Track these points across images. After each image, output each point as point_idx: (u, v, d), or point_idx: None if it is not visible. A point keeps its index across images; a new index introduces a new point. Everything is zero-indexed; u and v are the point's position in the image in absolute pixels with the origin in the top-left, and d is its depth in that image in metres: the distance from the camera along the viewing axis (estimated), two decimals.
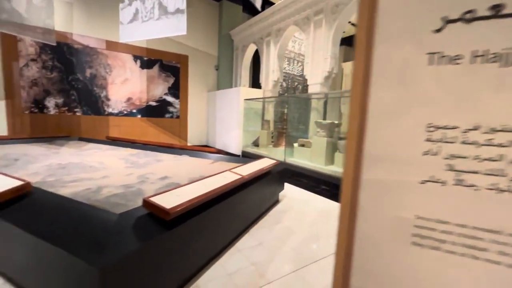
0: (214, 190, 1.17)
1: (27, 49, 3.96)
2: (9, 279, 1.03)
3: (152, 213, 0.94)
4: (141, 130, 5.11)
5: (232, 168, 1.61)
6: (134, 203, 1.13)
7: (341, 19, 3.34)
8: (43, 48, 4.06)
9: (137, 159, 2.24)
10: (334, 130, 3.09)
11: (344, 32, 3.58)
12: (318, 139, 3.08)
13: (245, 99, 4.53)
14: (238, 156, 4.37)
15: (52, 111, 4.27)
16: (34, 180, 1.40)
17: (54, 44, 3.58)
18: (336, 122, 3.02)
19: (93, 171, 1.69)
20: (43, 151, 2.40)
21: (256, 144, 4.54)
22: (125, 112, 4.95)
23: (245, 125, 4.62)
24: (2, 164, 1.68)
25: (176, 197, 1.02)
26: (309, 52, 3.78)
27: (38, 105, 4.14)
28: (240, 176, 1.47)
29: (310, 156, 3.25)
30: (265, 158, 2.09)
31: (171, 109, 5.45)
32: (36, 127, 4.12)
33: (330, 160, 3.07)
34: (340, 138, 3.05)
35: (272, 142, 4.26)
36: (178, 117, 5.55)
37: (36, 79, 4.08)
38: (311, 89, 3.69)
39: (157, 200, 0.96)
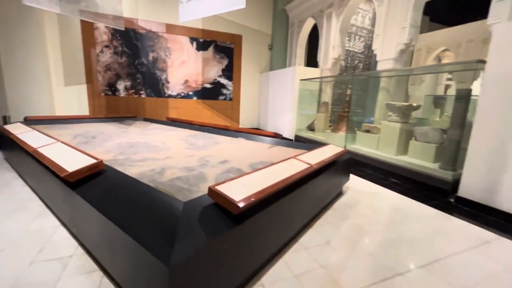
0: (283, 180, 1.02)
1: (102, 36, 4.35)
2: (87, 251, 1.09)
3: (219, 204, 0.84)
4: (197, 112, 5.29)
5: (297, 155, 1.43)
6: (197, 188, 1.07)
7: None
8: (114, 34, 4.41)
9: (196, 140, 2.25)
10: (410, 114, 2.60)
11: None
12: (389, 125, 2.65)
13: (301, 80, 4.21)
14: (291, 140, 4.16)
15: (122, 93, 4.70)
16: (107, 157, 1.48)
17: (123, 29, 3.83)
18: (415, 104, 2.52)
19: (156, 151, 1.72)
20: (115, 130, 2.60)
21: (311, 128, 4.24)
22: (182, 94, 5.16)
23: (299, 108, 4.33)
24: (82, 141, 1.83)
25: (243, 188, 0.90)
26: (381, 21, 3.21)
27: (111, 88, 4.59)
28: (308, 165, 1.29)
29: (377, 144, 2.84)
30: (330, 145, 1.85)
31: (224, 91, 5.48)
32: (110, 108, 4.60)
33: (403, 150, 2.63)
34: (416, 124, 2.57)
35: (330, 126, 3.90)
36: (231, 99, 5.56)
37: (109, 64, 4.49)
38: (381, 66, 3.17)
39: (223, 189, 0.85)
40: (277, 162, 1.24)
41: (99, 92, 4.51)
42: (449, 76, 7.90)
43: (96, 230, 0.94)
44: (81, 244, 1.17)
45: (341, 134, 3.36)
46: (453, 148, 2.13)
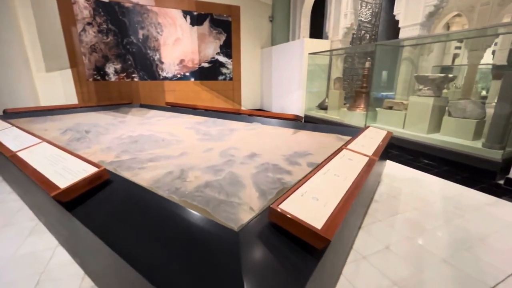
0: (356, 185, 0.76)
1: (82, 12, 3.83)
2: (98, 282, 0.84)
3: (289, 232, 0.58)
4: (195, 94, 4.91)
5: (346, 145, 1.16)
6: (239, 199, 0.80)
7: None
8: (96, 9, 3.89)
9: (207, 128, 1.95)
10: (443, 87, 2.32)
11: None
12: (420, 100, 2.37)
13: (309, 54, 3.83)
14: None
15: (113, 78, 4.26)
16: (108, 158, 1.19)
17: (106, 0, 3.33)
18: (451, 75, 2.23)
19: (167, 145, 1.43)
20: (111, 120, 2.27)
21: (322, 107, 3.93)
22: (179, 76, 4.74)
23: (309, 86, 3.99)
24: (74, 137, 1.52)
25: (316, 203, 0.63)
26: None
27: (100, 72, 4.14)
28: (366, 157, 1.02)
29: (404, 121, 2.58)
30: (371, 128, 1.58)
31: (223, 70, 5.06)
32: (101, 95, 4.19)
33: (435, 127, 2.38)
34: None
35: (345, 104, 3.60)
36: (231, 79, 5.16)
37: (94, 44, 4.01)
38: (404, 34, 2.82)
39: (292, 209, 0.59)
40: (330, 158, 0.97)
41: (87, 77, 4.07)
42: (458, 44, 7.51)
43: (109, 272, 0.67)
44: (89, 272, 0.92)
45: (359, 112, 3.08)
46: (503, 124, 1.88)
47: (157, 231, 0.62)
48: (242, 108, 5.41)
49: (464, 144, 2.07)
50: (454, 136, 2.22)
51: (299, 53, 4.00)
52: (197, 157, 1.24)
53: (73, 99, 4.04)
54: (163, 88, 4.62)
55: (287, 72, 4.43)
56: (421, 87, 2.36)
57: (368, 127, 1.57)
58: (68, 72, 3.92)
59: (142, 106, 3.43)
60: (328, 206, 0.63)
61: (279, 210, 0.58)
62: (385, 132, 1.50)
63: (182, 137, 1.66)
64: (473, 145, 2.03)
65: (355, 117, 3.06)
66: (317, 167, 0.86)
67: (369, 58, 3.05)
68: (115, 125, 2.03)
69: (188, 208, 0.73)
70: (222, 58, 5.00)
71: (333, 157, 0.96)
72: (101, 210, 0.73)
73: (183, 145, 1.46)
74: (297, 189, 0.69)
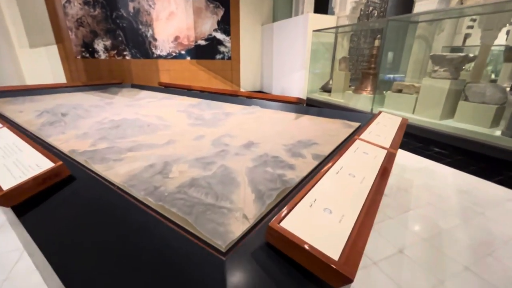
0: (377, 190, 0.60)
1: None
2: None
3: (291, 259, 0.43)
4: (191, 74, 4.64)
5: (358, 134, 0.99)
6: (230, 204, 0.65)
7: None
8: None
9: (200, 111, 1.77)
10: (462, 69, 2.11)
11: None
12: (434, 82, 2.16)
13: (314, 31, 3.53)
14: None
15: (103, 55, 3.99)
16: (82, 147, 1.02)
17: None
18: (471, 55, 2.01)
19: (152, 132, 1.26)
20: (96, 101, 2.08)
21: (326, 89, 3.70)
22: (174, 54, 4.45)
23: (312, 66, 3.73)
24: (48, 121, 1.35)
25: (329, 217, 0.48)
26: None
27: (88, 48, 3.86)
28: (384, 150, 0.86)
29: (414, 106, 2.39)
30: (383, 113, 1.40)
31: (221, 48, 4.75)
32: (90, 73, 3.94)
33: (449, 113, 2.19)
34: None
35: (350, 86, 3.38)
36: (229, 58, 4.86)
37: (80, 18, 3.69)
38: (419, 8, 2.55)
39: (298, 228, 0.43)
40: (342, 151, 0.80)
41: (74, 54, 3.80)
42: (471, 23, 7.07)
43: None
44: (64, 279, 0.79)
45: (365, 95, 2.88)
46: None
47: (121, 251, 0.47)
48: (241, 90, 5.16)
49: (480, 132, 1.90)
50: (469, 123, 2.04)
51: (302, 30, 3.71)
52: (185, 146, 1.07)
53: (61, 78, 3.80)
54: (157, 67, 4.35)
55: (289, 51, 4.15)
56: (436, 68, 2.14)
57: (380, 112, 1.39)
58: (54, 49, 3.65)
59: (134, 86, 3.21)
60: (344, 222, 0.47)
61: (279, 231, 0.42)
62: (399, 119, 1.32)
63: (172, 121, 1.49)
64: (490, 133, 1.87)
65: (361, 100, 2.86)
66: (327, 164, 0.70)
67: (378, 36, 2.79)
68: (100, 107, 1.84)
69: (165, 216, 0.58)
70: (219, 35, 4.67)
71: (345, 150, 0.79)
72: (56, 217, 0.58)
73: (171, 131, 1.30)
74: (303, 196, 0.53)
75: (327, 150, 1.05)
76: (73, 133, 1.21)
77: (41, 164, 0.67)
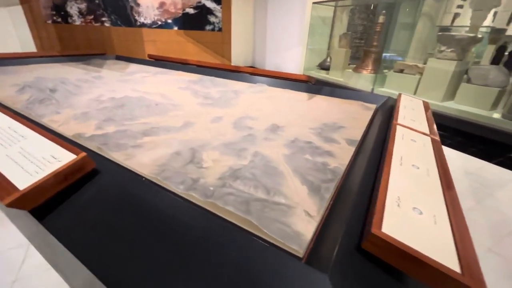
0: (449, 185, 0.56)
1: None
2: None
3: (391, 270, 0.38)
4: (179, 46, 4.30)
5: (396, 119, 0.95)
6: (284, 199, 0.58)
7: None
8: None
9: (206, 89, 1.63)
10: (469, 49, 2.10)
11: None
12: (440, 63, 2.14)
13: (314, 3, 3.33)
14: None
15: (78, 20, 3.53)
16: (88, 130, 0.88)
17: None
18: (480, 36, 1.99)
19: (163, 113, 1.13)
20: (82, 75, 1.85)
21: (323, 67, 3.60)
22: (159, 23, 4.06)
23: (310, 42, 3.57)
24: (36, 99, 1.16)
25: (422, 219, 0.43)
26: None
27: (60, 12, 3.39)
28: (427, 137, 0.82)
29: (416, 87, 2.39)
30: (403, 96, 1.36)
31: (212, 19, 4.40)
32: (65, 41, 3.51)
33: (450, 94, 2.22)
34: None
35: (349, 64, 3.30)
36: (220, 29, 4.53)
37: None
38: None
39: (398, 235, 0.38)
40: (391, 140, 0.75)
41: (44, 18, 3.32)
42: (461, 2, 7.08)
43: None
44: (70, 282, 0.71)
45: (365, 74, 2.83)
46: None
47: (178, 259, 0.40)
48: (232, 64, 4.90)
49: (480, 114, 1.95)
50: (469, 105, 2.08)
51: (300, 1, 3.48)
52: (205, 130, 0.97)
53: (30, 46, 3.35)
54: (142, 37, 3.96)
55: (285, 24, 3.92)
56: (443, 48, 2.11)
57: (400, 95, 1.35)
58: (19, 10, 3.15)
59: (119, 58, 2.91)
60: (440, 224, 0.43)
61: (387, 240, 0.37)
62: (420, 102, 1.29)
63: (178, 100, 1.35)
64: (489, 116, 1.92)
65: (361, 80, 2.81)
66: (385, 155, 0.65)
67: (383, 11, 2.68)
68: (89, 82, 1.64)
69: (220, 216, 0.51)
70: (209, 3, 4.30)
71: (393, 140, 0.74)
72: (84, 220, 0.49)
73: (182, 111, 1.17)
74: (385, 194, 0.48)
75: (357, 134, 1.01)
76: (70, 112, 1.06)
77: (58, 155, 0.55)
